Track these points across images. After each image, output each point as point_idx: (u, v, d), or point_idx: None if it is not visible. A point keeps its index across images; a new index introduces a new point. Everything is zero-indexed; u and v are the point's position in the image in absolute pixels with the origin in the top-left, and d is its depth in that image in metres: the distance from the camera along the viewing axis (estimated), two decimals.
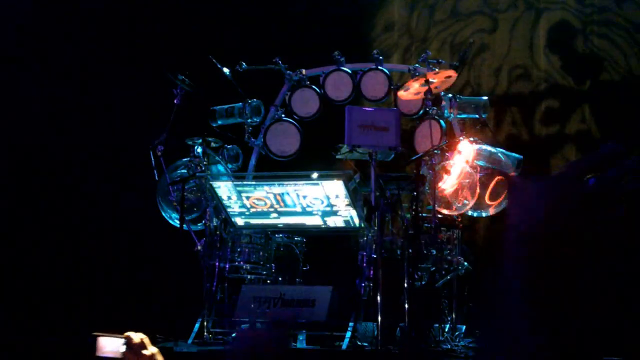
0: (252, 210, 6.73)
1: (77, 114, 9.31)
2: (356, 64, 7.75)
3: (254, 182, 6.82)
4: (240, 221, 6.81)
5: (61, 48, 9.43)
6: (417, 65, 7.57)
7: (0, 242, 8.62)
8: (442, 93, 7.26)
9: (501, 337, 1.05)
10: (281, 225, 6.79)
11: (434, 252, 6.49)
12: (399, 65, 8.29)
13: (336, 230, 6.69)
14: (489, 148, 6.96)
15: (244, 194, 6.66)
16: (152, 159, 7.04)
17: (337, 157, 6.71)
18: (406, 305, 6.04)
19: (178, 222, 6.86)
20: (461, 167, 6.37)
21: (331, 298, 6.18)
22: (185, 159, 7.20)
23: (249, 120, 7.55)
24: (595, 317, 1.01)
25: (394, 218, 6.52)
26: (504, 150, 6.97)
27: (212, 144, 7.14)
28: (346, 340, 6.09)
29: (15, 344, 6.57)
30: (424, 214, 6.60)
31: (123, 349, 2.50)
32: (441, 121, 7.21)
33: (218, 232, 6.85)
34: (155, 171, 7.06)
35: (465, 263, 8.18)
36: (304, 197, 6.52)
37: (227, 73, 7.51)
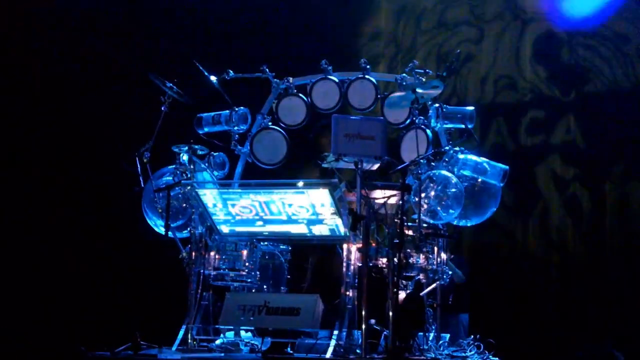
0: (238, 218, 6.72)
1: (63, 120, 9.30)
2: (343, 72, 7.76)
3: (239, 190, 6.82)
4: (225, 229, 6.81)
5: (49, 54, 9.43)
6: (403, 74, 7.58)
7: None
8: (429, 103, 7.29)
9: None
10: (266, 233, 6.79)
11: (419, 261, 6.51)
12: (386, 75, 8.31)
13: (321, 238, 6.69)
14: (475, 158, 7.00)
15: (229, 202, 6.66)
16: (138, 165, 7.03)
17: (323, 165, 6.72)
18: (390, 314, 6.05)
19: (163, 229, 6.85)
20: None
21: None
22: (171, 166, 7.20)
23: (236, 128, 7.55)
24: None
25: (379, 227, 6.53)
26: (489, 161, 7.00)
27: (199, 152, 7.14)
28: (330, 349, 6.10)
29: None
30: (409, 223, 6.61)
31: None
32: (427, 131, 7.24)
33: (203, 240, 6.85)
34: (141, 178, 7.05)
35: (459, 272, 8.24)
36: (290, 205, 6.53)
37: (214, 81, 7.52)
